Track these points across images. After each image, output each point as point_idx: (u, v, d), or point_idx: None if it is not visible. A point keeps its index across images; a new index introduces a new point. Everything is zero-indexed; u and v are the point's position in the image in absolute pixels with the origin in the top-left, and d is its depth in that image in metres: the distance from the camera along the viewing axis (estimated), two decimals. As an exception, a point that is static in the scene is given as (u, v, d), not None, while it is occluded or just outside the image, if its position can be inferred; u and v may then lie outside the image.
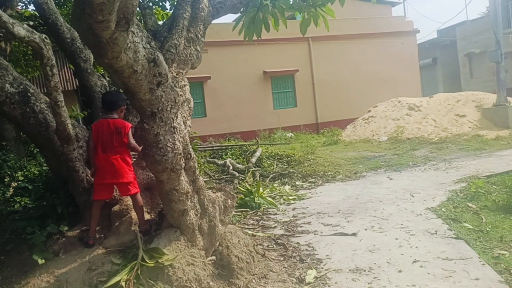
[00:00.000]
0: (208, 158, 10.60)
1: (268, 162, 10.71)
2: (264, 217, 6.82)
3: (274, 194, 8.25)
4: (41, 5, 5.09)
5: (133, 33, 2.77)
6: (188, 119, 4.34)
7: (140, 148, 3.72)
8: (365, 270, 4.23)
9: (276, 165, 10.65)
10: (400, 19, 25.44)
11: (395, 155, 11.73)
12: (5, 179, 6.85)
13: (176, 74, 4.46)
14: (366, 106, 18.49)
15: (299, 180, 9.55)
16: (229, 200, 4.11)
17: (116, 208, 3.88)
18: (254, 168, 10.05)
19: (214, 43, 19.10)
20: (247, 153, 11.18)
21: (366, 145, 14.09)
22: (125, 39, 2.58)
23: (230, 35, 19.18)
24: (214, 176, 9.82)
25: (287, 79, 22.36)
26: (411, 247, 4.76)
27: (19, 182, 6.62)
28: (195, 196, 3.70)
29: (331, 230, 5.71)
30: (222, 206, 4.02)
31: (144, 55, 2.88)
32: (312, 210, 6.95)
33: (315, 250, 4.98)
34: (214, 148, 11.74)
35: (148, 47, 2.93)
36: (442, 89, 27.04)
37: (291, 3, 5.37)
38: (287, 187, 8.79)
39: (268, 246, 5.23)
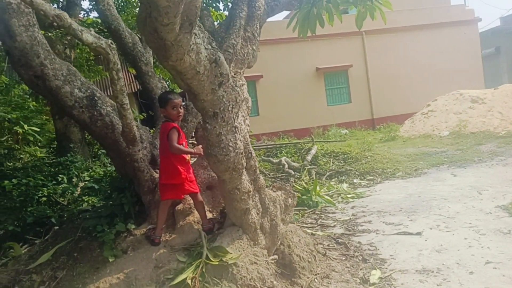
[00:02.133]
0: (263, 157, 10.62)
1: (324, 160, 10.56)
2: (323, 215, 6.73)
3: (332, 193, 8.12)
4: (104, 11, 5.30)
5: (196, 35, 2.80)
6: (246, 118, 4.36)
7: (185, 150, 3.74)
8: (433, 271, 4.05)
9: (332, 162, 10.47)
10: (459, 8, 24.24)
11: (458, 151, 11.18)
12: (73, 180, 7.22)
13: (234, 74, 4.49)
14: (425, 100, 17.78)
15: (357, 178, 9.34)
16: (289, 199, 4.08)
17: (179, 207, 3.96)
18: (309, 166, 9.95)
19: (266, 41, 19.12)
20: (302, 151, 11.09)
21: (426, 141, 13.53)
22: (188, 41, 2.61)
23: (282, 32, 19.15)
24: (269, 174, 9.81)
25: (341, 74, 21.99)
26: (482, 247, 4.50)
27: (86, 182, 6.96)
28: (256, 195, 3.70)
29: (394, 229, 5.52)
30: (283, 205, 3.99)
31: (206, 56, 2.91)
32: (372, 208, 6.77)
33: (378, 249, 4.84)
34: (269, 146, 11.75)
35: (210, 48, 2.96)
36: (506, 80, 25.44)
37: (345, -4, 5.25)
38: (344, 185, 8.63)
39: (328, 245, 5.14)
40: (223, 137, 3.16)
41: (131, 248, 3.66)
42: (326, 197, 7.58)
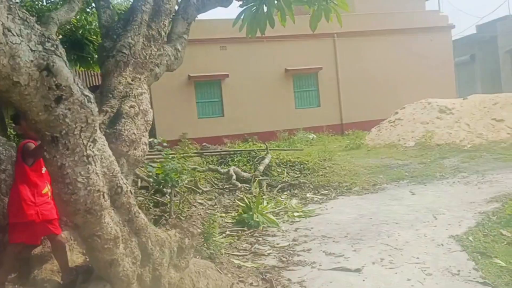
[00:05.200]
0: (210, 166, 9.76)
1: (278, 170, 9.81)
2: (260, 239, 6.04)
3: (279, 209, 7.43)
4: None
5: (10, 31, 1.97)
6: (143, 135, 3.55)
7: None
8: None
9: (287, 173, 9.74)
10: (433, 13, 23.82)
11: (422, 164, 10.60)
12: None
13: (132, 80, 3.67)
14: (395, 107, 17.16)
15: (310, 192, 8.66)
16: (186, 240, 3.28)
17: (37, 250, 3.12)
18: (261, 177, 9.18)
19: (233, 40, 18.22)
20: (255, 160, 10.28)
21: (391, 151, 12.95)
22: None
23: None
24: (217, 185, 9.01)
25: (310, 77, 21.22)
26: (425, 292, 3.85)
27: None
28: (134, 239, 2.88)
29: (332, 263, 4.87)
30: (175, 249, 3.18)
31: (32, 61, 2.08)
32: (317, 232, 6.12)
33: (308, 290, 4.13)
34: (222, 153, 10.93)
35: (40, 49, 2.13)
36: (480, 89, 25.17)
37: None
38: (293, 201, 7.91)
39: (251, 284, 4.41)
40: (68, 170, 2.33)
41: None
42: (270, 216, 6.85)
